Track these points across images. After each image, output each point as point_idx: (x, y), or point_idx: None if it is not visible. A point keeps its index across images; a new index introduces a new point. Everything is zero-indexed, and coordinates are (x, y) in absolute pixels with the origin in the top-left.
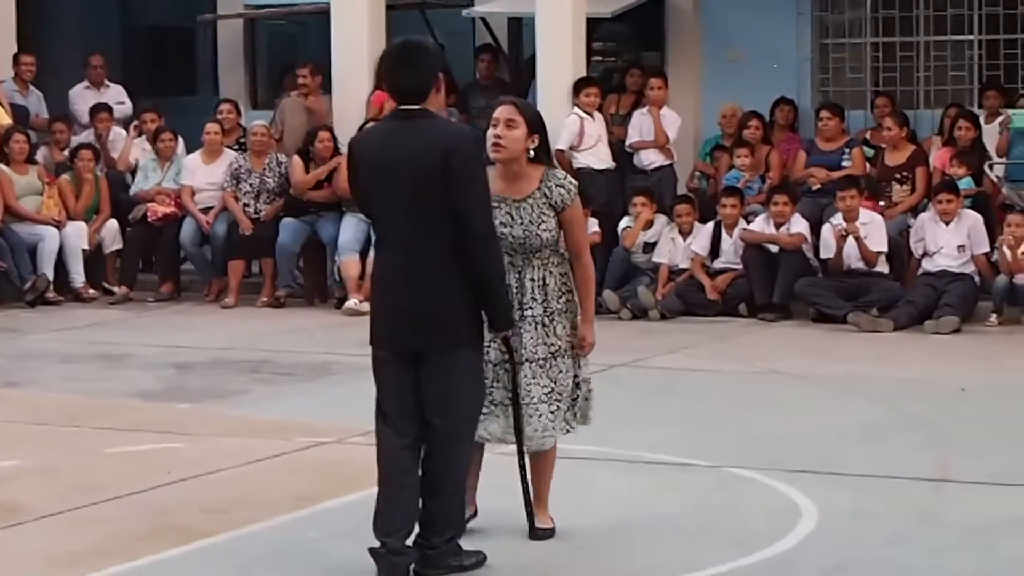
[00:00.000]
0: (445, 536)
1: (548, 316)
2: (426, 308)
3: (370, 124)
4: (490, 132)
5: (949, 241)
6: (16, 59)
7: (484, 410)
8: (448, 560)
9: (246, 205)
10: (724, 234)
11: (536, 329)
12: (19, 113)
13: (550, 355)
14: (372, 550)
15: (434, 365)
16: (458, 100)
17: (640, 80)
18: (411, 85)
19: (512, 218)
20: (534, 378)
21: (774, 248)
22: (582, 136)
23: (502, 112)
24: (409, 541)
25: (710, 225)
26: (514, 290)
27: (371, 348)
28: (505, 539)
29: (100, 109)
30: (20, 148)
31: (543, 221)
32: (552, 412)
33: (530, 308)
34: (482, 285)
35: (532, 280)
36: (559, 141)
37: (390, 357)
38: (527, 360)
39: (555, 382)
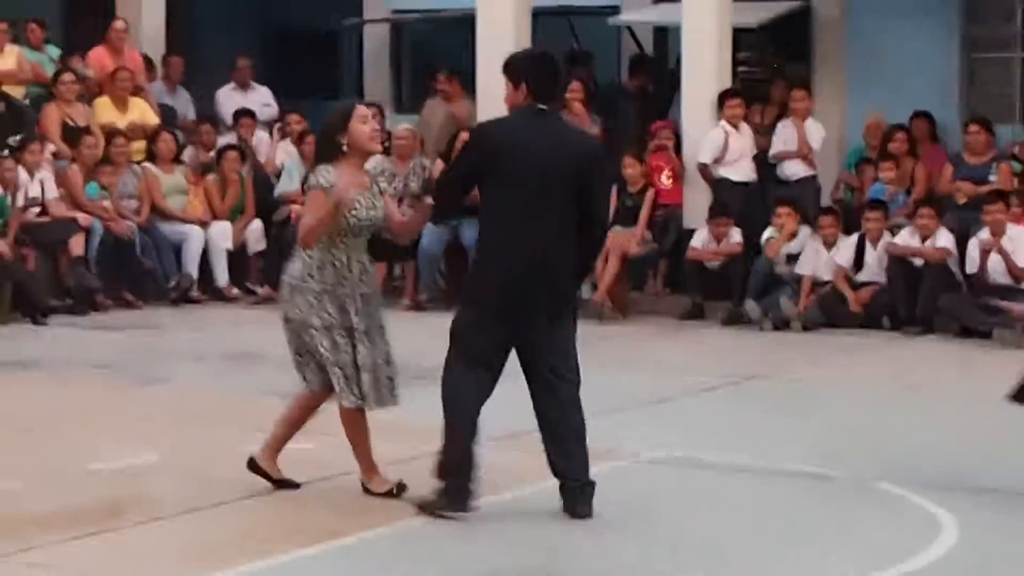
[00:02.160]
0: None
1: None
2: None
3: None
4: (370, 127)
5: None
6: (165, 61)
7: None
8: None
9: None
10: (868, 247)
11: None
12: (167, 114)
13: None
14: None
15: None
16: (601, 107)
17: (784, 91)
18: (555, 88)
19: (374, 203)
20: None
21: (919, 262)
22: (726, 150)
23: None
24: None
25: (854, 237)
26: (357, 270)
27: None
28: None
29: (243, 114)
30: (167, 148)
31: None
32: None
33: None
34: (586, 265)
35: (361, 261)
36: (701, 154)
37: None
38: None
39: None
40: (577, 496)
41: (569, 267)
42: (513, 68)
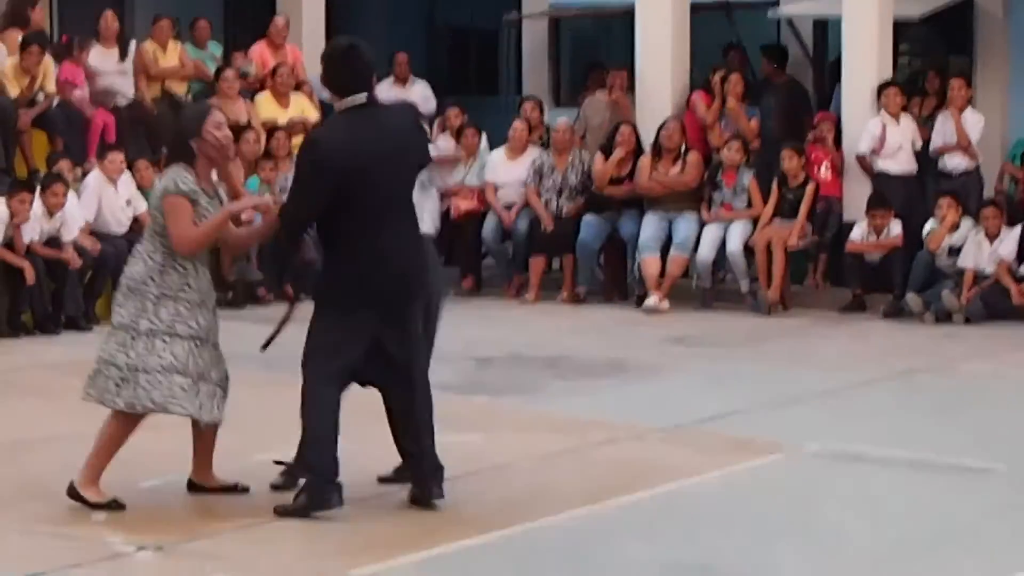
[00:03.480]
0: None
1: None
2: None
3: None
4: (223, 134)
5: None
6: None
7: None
8: None
9: (548, 202)
10: None
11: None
12: (326, 109)
13: None
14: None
15: None
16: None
17: (938, 83)
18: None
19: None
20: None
21: None
22: (883, 141)
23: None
24: None
25: (1017, 229)
26: (204, 277)
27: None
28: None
29: None
30: None
31: None
32: None
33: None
34: None
35: (204, 267)
36: (860, 145)
37: None
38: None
39: None
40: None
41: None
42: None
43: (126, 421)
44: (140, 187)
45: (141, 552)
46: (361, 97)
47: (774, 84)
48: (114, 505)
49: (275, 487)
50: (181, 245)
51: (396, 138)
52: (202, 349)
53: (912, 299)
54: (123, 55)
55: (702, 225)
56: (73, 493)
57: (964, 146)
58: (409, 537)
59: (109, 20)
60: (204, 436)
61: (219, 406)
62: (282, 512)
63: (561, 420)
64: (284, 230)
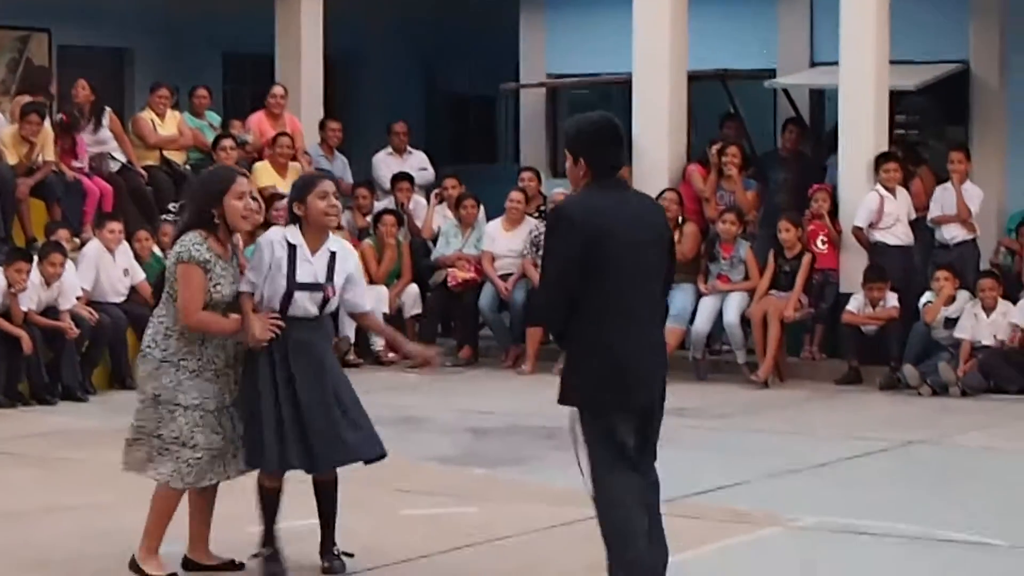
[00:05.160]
0: None
1: None
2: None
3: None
4: (244, 204)
5: None
6: (323, 125)
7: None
8: None
9: None
10: None
11: None
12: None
13: None
14: None
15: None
16: (756, 172)
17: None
18: (623, 158)
19: (235, 277)
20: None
21: None
22: (881, 214)
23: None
24: None
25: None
26: (212, 345)
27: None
28: None
29: (401, 179)
30: None
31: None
32: None
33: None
34: None
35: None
36: (857, 218)
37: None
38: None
39: None
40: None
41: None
42: (571, 140)
43: (168, 491)
44: (139, 257)
45: None
46: (615, 175)
47: (783, 157)
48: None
49: (326, 571)
50: (186, 316)
51: (653, 223)
52: (207, 417)
53: (909, 371)
54: (98, 125)
55: (699, 296)
56: (134, 567)
57: (964, 218)
58: None
59: (80, 89)
60: (199, 503)
61: (206, 473)
62: None
63: (559, 492)
64: (544, 327)
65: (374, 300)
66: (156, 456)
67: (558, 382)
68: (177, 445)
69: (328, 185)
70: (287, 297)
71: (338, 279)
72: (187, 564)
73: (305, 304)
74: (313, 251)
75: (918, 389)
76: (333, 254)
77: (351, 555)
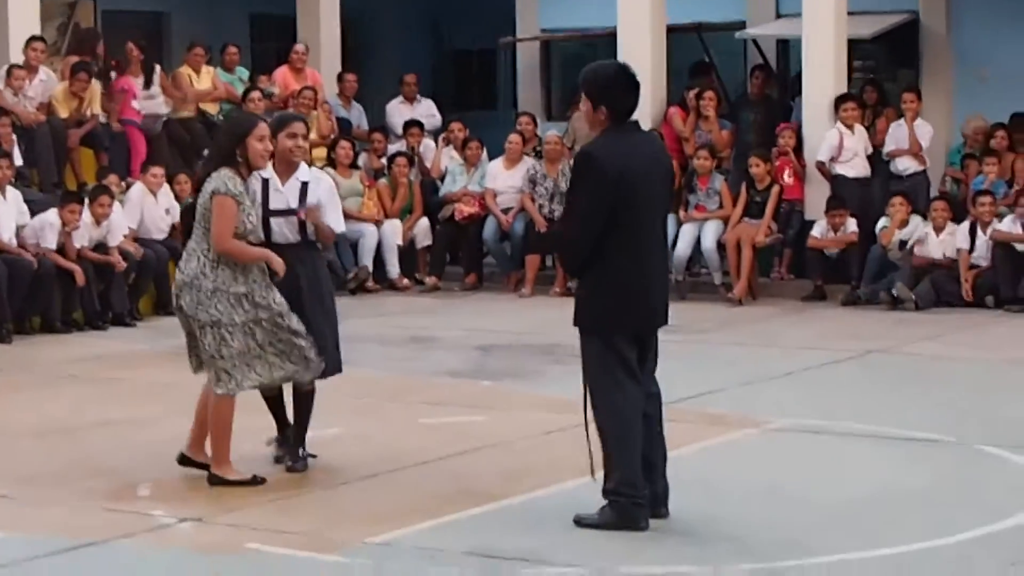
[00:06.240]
0: None
1: None
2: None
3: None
4: (264, 146)
5: None
6: (340, 77)
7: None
8: None
9: (541, 206)
10: (979, 232)
11: None
12: (343, 125)
13: None
14: (633, 502)
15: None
16: (728, 113)
17: (874, 95)
18: (637, 103)
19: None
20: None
21: (1021, 247)
22: (841, 149)
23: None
24: None
25: (967, 224)
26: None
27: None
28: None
29: (412, 124)
30: (345, 154)
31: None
32: None
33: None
34: None
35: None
36: (819, 153)
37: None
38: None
39: None
40: None
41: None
42: (591, 89)
43: (222, 401)
44: (178, 198)
45: (183, 523)
46: (633, 119)
47: (752, 100)
48: (256, 480)
49: (290, 469)
50: (218, 243)
51: (661, 161)
52: (256, 328)
53: (900, 288)
54: (148, 83)
55: (679, 225)
56: (215, 479)
57: (915, 151)
58: (421, 507)
59: (132, 50)
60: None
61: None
62: (579, 522)
63: (558, 401)
64: (567, 257)
65: (391, 233)
66: (223, 374)
67: (574, 306)
68: (235, 359)
69: (298, 127)
70: (266, 224)
71: (310, 204)
72: (183, 460)
73: (284, 230)
74: (283, 182)
75: (905, 304)
76: (305, 184)
77: (314, 456)
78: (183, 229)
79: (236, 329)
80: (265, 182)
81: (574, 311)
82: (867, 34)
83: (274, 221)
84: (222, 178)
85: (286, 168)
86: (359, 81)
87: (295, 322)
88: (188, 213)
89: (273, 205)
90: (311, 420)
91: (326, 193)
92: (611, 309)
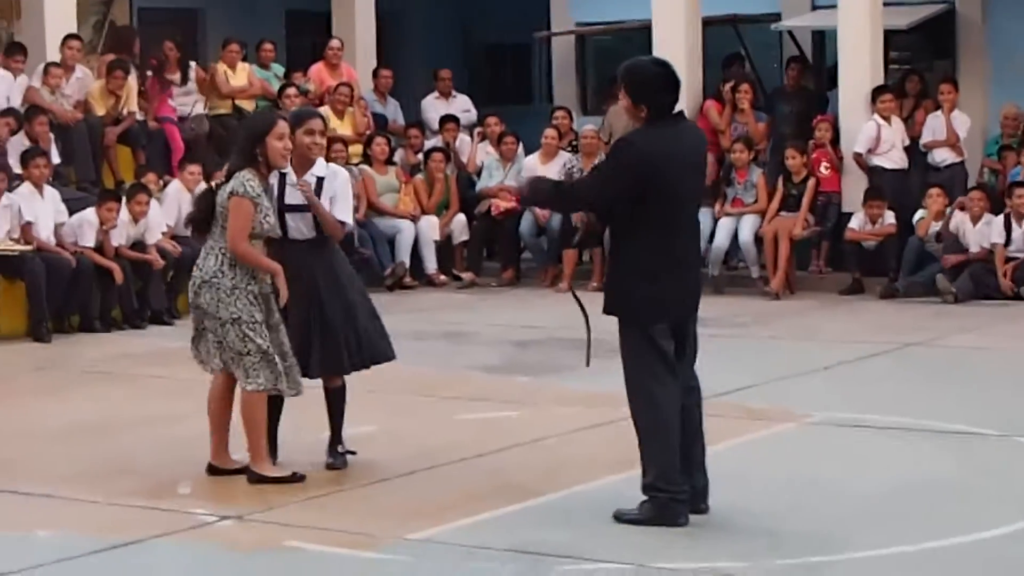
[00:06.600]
0: None
1: None
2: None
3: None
4: (283, 145)
5: None
6: (376, 73)
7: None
8: None
9: None
10: (1015, 224)
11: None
12: (379, 121)
13: None
14: (672, 497)
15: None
16: (764, 105)
17: (917, 86)
18: (677, 99)
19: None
20: None
21: None
22: (878, 141)
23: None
24: None
25: (1001, 217)
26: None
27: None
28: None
29: (448, 120)
30: (381, 151)
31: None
32: None
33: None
34: None
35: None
36: (857, 144)
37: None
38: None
39: None
40: None
41: None
42: (631, 87)
43: (254, 398)
44: None
45: (223, 521)
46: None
47: (788, 92)
48: (296, 478)
49: (330, 466)
50: (233, 244)
51: (699, 150)
52: (272, 332)
53: (941, 280)
54: (184, 79)
55: (716, 219)
56: (254, 477)
57: (952, 142)
58: (459, 504)
59: (171, 49)
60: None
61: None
62: (619, 518)
63: (595, 396)
64: (567, 201)
65: (427, 228)
66: (251, 371)
67: (604, 294)
68: (260, 356)
69: (315, 123)
70: (281, 218)
71: (325, 199)
72: (212, 470)
73: (299, 225)
74: (300, 177)
75: (944, 296)
76: (321, 179)
77: (354, 452)
78: (188, 219)
79: (258, 326)
80: (282, 177)
81: (605, 298)
82: (903, 25)
83: (289, 216)
84: (241, 180)
85: (303, 164)
86: (393, 77)
87: (286, 340)
88: (199, 201)
89: (289, 200)
90: (345, 417)
91: (341, 187)
92: (647, 296)
